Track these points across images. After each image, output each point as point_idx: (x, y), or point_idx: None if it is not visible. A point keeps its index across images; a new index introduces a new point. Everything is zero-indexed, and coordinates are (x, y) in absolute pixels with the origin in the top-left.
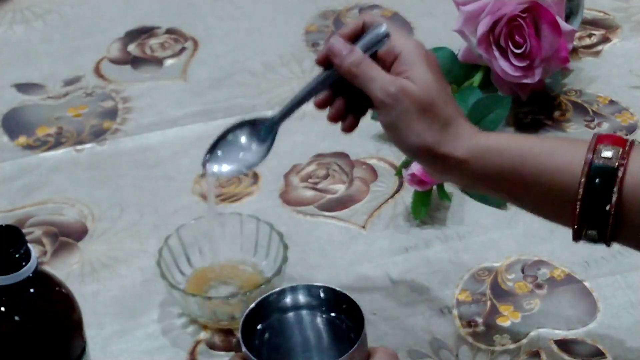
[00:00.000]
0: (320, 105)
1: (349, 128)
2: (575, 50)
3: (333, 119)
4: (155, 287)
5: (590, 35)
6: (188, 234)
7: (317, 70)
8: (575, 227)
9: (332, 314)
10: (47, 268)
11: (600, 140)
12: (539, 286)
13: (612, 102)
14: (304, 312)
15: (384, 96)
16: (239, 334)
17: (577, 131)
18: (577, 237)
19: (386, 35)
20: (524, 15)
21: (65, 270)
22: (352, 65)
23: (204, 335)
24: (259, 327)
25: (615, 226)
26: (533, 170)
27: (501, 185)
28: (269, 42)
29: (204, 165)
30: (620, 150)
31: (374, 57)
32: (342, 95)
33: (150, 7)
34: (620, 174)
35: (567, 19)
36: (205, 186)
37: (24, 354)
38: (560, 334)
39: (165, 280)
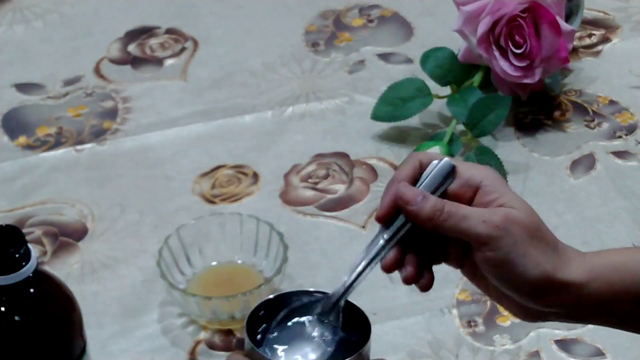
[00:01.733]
0: (391, 268)
1: (428, 286)
2: (575, 50)
3: (410, 280)
4: (155, 287)
5: (590, 35)
6: (188, 234)
7: (316, 70)
8: None
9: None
10: (47, 268)
11: None
12: None
13: (612, 102)
14: (312, 318)
15: (490, 229)
16: (244, 325)
17: (577, 131)
18: None
19: (452, 170)
20: (524, 15)
21: (65, 270)
22: (435, 210)
23: (204, 335)
24: (263, 325)
25: None
26: None
27: (623, 306)
28: (269, 42)
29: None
30: None
31: (443, 196)
32: (410, 251)
33: (150, 7)
34: None
35: (567, 19)
36: (206, 187)
37: (24, 354)
38: (560, 334)
39: (165, 280)
